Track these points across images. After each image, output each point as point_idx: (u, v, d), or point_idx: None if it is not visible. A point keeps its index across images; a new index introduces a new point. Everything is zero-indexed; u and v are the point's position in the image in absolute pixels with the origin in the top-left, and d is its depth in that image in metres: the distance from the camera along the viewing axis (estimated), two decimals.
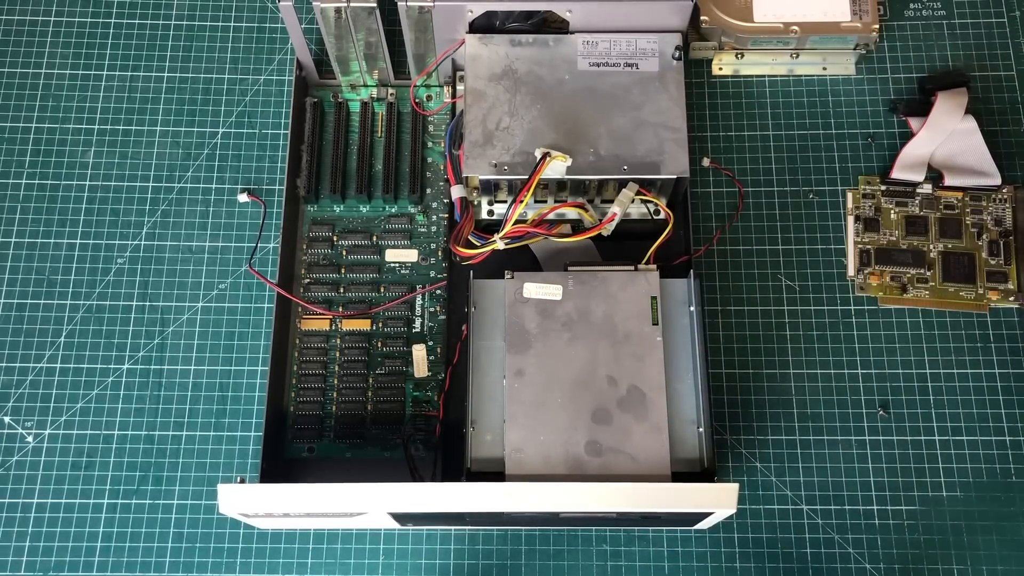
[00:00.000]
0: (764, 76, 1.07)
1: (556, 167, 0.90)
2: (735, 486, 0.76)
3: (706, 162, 1.03)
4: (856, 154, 1.04)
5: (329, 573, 0.92)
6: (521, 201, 0.89)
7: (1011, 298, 0.99)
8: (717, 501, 0.76)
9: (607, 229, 0.92)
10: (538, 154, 0.89)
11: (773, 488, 0.94)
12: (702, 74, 1.08)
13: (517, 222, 0.91)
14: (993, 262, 1.00)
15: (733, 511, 0.77)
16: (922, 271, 0.99)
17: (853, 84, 1.07)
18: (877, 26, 1.02)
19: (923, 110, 1.03)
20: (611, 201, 0.93)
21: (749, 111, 1.06)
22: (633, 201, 0.93)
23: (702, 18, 1.02)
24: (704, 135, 1.05)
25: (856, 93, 1.06)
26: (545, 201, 0.95)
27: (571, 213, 0.95)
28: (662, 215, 0.94)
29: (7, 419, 0.96)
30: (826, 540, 0.93)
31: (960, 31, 1.08)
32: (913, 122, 1.03)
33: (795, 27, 1.02)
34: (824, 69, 1.07)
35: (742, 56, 1.06)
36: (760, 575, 0.92)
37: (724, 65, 1.07)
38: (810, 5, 1.03)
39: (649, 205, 0.95)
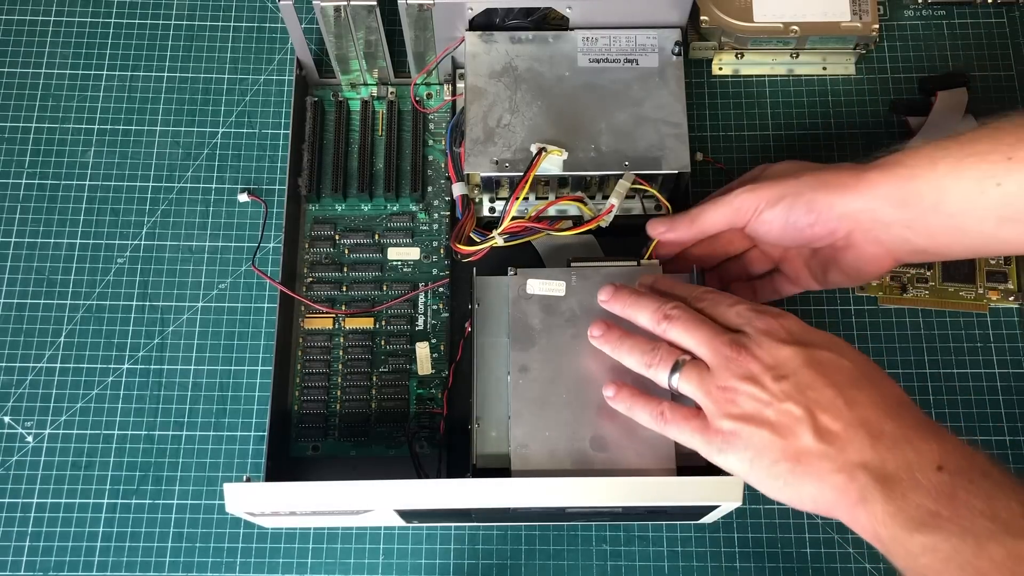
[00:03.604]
0: (764, 76, 1.07)
1: (553, 161, 0.90)
2: (741, 479, 0.76)
3: (699, 156, 1.04)
4: (856, 154, 1.04)
5: (330, 572, 0.92)
6: (518, 197, 0.89)
7: (1011, 298, 0.99)
8: (723, 494, 0.76)
9: (605, 220, 0.92)
10: (534, 149, 0.89)
11: None
12: (702, 74, 1.08)
13: (516, 218, 0.91)
14: (993, 262, 1.00)
15: (739, 504, 0.77)
16: (922, 271, 1.00)
17: (853, 84, 1.07)
18: (877, 26, 1.02)
19: (923, 110, 1.03)
20: None
21: (749, 111, 1.06)
22: (633, 197, 0.93)
23: (702, 18, 1.02)
24: (704, 135, 1.05)
25: (856, 93, 1.07)
26: (547, 198, 0.95)
27: (571, 208, 0.95)
28: (663, 210, 0.94)
29: (7, 419, 0.96)
30: (826, 540, 0.93)
31: (960, 31, 1.09)
32: (913, 122, 1.03)
33: (795, 27, 1.02)
34: (824, 69, 1.07)
35: (742, 56, 1.06)
36: (760, 574, 0.92)
37: (724, 65, 1.07)
38: (810, 5, 1.03)
39: (649, 200, 0.95)
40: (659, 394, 0.81)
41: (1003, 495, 0.66)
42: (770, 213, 0.85)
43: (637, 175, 0.91)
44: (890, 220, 0.82)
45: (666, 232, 0.89)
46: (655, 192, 0.93)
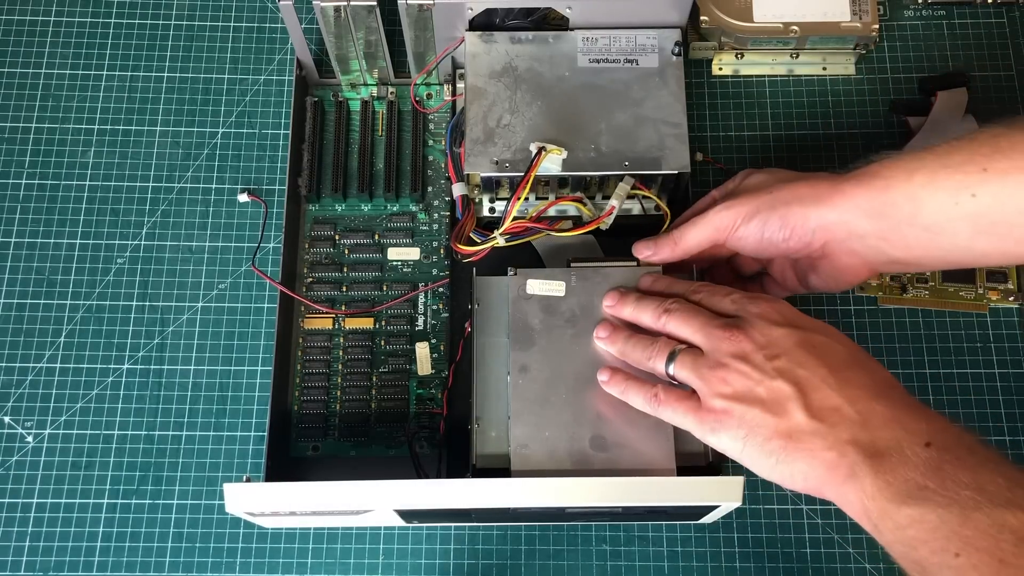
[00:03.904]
0: (764, 76, 1.07)
1: (553, 161, 0.90)
2: (740, 479, 0.76)
3: (699, 156, 1.04)
4: (856, 154, 1.04)
5: (330, 573, 0.92)
6: (519, 197, 0.89)
7: (1011, 298, 0.99)
8: (723, 494, 0.76)
9: (606, 223, 0.92)
10: (533, 149, 0.89)
11: (773, 488, 0.94)
12: (702, 74, 1.08)
13: (516, 218, 0.91)
14: None
15: (739, 504, 0.77)
16: (922, 271, 0.99)
17: (853, 84, 1.07)
18: (877, 26, 1.02)
19: (923, 110, 1.03)
20: None
21: (749, 111, 1.06)
22: (633, 198, 0.93)
23: (702, 18, 1.02)
24: (704, 135, 1.05)
25: (856, 93, 1.07)
26: (547, 198, 0.95)
27: (571, 209, 0.95)
28: (661, 212, 0.94)
29: (7, 419, 0.96)
30: (826, 540, 0.93)
31: (960, 31, 1.09)
32: (913, 122, 1.03)
33: (795, 27, 1.02)
34: (824, 69, 1.07)
35: (742, 56, 1.06)
36: (760, 574, 0.92)
37: (724, 65, 1.07)
38: (810, 5, 1.03)
39: (647, 202, 0.95)
40: None
41: (988, 470, 0.68)
42: (745, 229, 0.85)
43: (637, 177, 0.91)
44: (865, 232, 0.82)
45: (651, 256, 0.89)
46: (654, 196, 0.93)
